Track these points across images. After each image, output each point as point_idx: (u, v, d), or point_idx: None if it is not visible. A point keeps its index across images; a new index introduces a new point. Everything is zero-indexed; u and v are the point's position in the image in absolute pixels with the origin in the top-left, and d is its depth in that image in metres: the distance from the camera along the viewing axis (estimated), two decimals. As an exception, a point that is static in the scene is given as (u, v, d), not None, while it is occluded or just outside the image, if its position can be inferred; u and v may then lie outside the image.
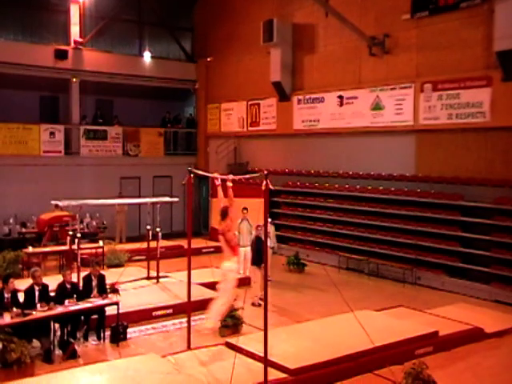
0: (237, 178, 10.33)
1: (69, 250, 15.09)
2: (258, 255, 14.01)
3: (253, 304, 14.07)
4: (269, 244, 15.25)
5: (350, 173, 19.38)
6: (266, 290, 8.70)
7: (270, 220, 16.55)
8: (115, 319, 11.36)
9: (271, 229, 16.42)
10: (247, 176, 10.78)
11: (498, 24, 14.84)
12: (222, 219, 10.15)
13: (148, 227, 16.30)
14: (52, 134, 22.39)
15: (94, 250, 17.71)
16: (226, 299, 10.20)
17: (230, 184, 10.02)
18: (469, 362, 10.49)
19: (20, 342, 9.69)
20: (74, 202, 14.84)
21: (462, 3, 16.02)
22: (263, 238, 14.42)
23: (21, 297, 10.92)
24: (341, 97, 19.57)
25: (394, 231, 17.40)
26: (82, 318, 11.26)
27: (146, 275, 15.90)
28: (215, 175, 10.74)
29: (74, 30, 23.22)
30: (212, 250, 19.56)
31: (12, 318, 10.09)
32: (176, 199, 18.32)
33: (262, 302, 13.53)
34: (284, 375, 9.20)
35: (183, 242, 18.00)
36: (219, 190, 10.45)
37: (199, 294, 13.48)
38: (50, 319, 10.60)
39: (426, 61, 17.08)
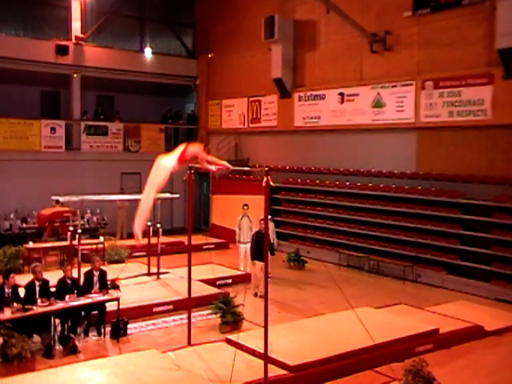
0: (238, 169, 10.17)
1: (69, 246, 15.08)
2: (261, 250, 13.81)
3: (255, 294, 14.36)
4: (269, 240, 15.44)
5: (351, 170, 19.38)
6: (267, 287, 8.69)
7: (269, 217, 16.67)
8: (116, 315, 11.37)
9: (271, 225, 16.43)
10: (248, 169, 10.69)
11: (499, 21, 14.84)
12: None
13: (149, 223, 16.30)
14: (53, 129, 22.39)
15: (94, 246, 17.72)
16: (148, 196, 9.47)
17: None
18: (469, 359, 10.48)
19: (20, 337, 9.70)
20: (74, 198, 14.85)
21: (464, 0, 16.01)
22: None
23: (21, 292, 10.94)
24: (342, 94, 19.57)
25: (395, 228, 17.40)
26: (83, 313, 11.27)
27: (146, 271, 15.92)
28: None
29: (75, 26, 23.23)
30: (212, 246, 19.63)
31: (13, 313, 10.11)
32: (176, 195, 18.29)
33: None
34: (284, 372, 9.20)
35: (184, 238, 17.99)
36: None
37: (199, 290, 13.52)
38: (50, 314, 10.61)
39: (428, 58, 17.07)
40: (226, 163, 9.73)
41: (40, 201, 19.11)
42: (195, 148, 9.51)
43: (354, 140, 19.51)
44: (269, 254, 15.54)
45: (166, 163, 9.29)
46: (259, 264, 14.26)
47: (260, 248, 13.87)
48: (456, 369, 9.94)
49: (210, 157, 9.77)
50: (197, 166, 10.11)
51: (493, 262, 14.97)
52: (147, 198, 9.37)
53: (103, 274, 11.96)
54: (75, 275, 12.20)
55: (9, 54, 21.17)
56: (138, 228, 9.26)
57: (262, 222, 14.25)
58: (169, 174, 9.26)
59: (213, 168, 9.98)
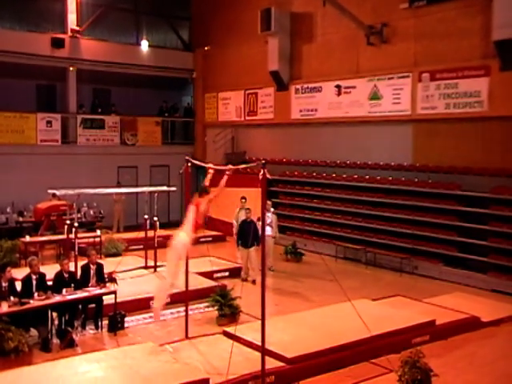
0: (237, 167, 10.25)
1: (66, 239, 15.07)
2: (248, 237, 14.87)
3: (243, 279, 15.02)
4: (270, 233, 15.56)
5: (348, 162, 19.38)
6: (264, 279, 8.69)
7: (272, 210, 16.77)
8: (113, 308, 11.39)
9: (273, 218, 16.48)
10: (245, 165, 10.69)
11: (496, 13, 14.81)
12: (200, 195, 9.68)
13: (145, 216, 16.31)
14: (49, 122, 22.34)
15: (91, 240, 17.71)
16: (169, 275, 9.66)
17: (228, 173, 9.89)
18: (465, 350, 10.53)
19: (17, 331, 9.70)
20: (71, 191, 14.81)
21: (460, -8, 16.01)
22: (254, 221, 15.11)
23: (18, 286, 10.93)
24: (338, 86, 19.54)
25: (392, 221, 17.42)
26: (80, 306, 11.28)
27: (143, 264, 15.92)
28: (210, 165, 10.57)
29: (71, 19, 23.13)
30: (210, 239, 19.61)
31: (9, 306, 10.10)
32: (173, 188, 18.32)
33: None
34: (281, 364, 9.22)
35: (181, 232, 17.96)
36: (209, 176, 10.20)
37: (197, 283, 13.51)
38: (47, 308, 10.61)
39: (424, 50, 17.05)
40: (223, 183, 9.71)
41: (36, 194, 19.06)
42: (203, 205, 9.53)
43: (350, 132, 19.50)
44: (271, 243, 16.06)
45: (183, 240, 9.33)
46: (244, 251, 15.30)
47: (244, 236, 15.14)
48: (452, 360, 9.98)
49: (214, 193, 9.72)
50: (196, 162, 10.18)
51: (489, 253, 15.00)
52: (171, 274, 9.59)
53: (100, 267, 11.96)
54: (72, 269, 12.17)
55: (4, 47, 21.06)
56: (157, 307, 9.72)
57: (247, 211, 15.54)
58: (188, 248, 9.48)
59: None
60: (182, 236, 9.34)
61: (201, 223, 9.65)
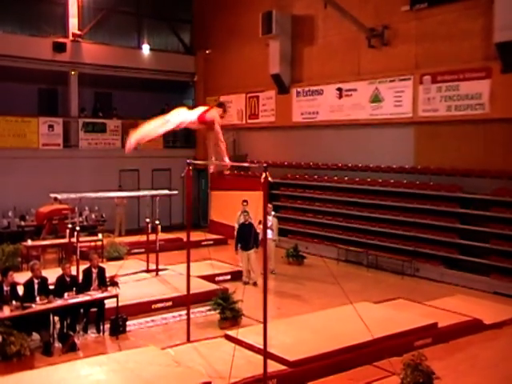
0: (237, 164, 10.22)
1: (68, 243, 15.09)
2: (248, 240, 14.86)
3: (244, 283, 15.06)
4: (271, 236, 15.57)
5: (349, 165, 19.36)
6: (266, 282, 8.68)
7: (273, 213, 16.78)
8: (115, 312, 11.38)
9: (274, 221, 16.49)
10: (246, 164, 10.64)
11: (497, 15, 14.80)
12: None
13: (147, 220, 16.32)
14: (51, 126, 22.36)
15: (93, 243, 17.72)
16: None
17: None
18: (468, 353, 10.51)
19: (19, 335, 9.70)
20: (72, 195, 14.84)
21: (461, -6, 16.01)
22: (252, 223, 15.21)
23: (20, 290, 10.94)
24: (340, 89, 19.55)
25: (393, 223, 17.41)
26: (82, 310, 11.27)
27: (145, 268, 15.92)
28: (212, 160, 10.43)
29: (73, 23, 23.14)
30: (211, 242, 19.60)
31: (11, 310, 10.10)
32: (175, 192, 18.32)
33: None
34: (283, 367, 9.22)
35: (182, 235, 17.99)
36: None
37: (198, 286, 13.51)
38: (49, 312, 10.62)
39: (425, 52, 17.05)
40: (226, 159, 9.67)
41: (38, 198, 19.06)
42: (215, 114, 9.63)
43: (352, 135, 19.50)
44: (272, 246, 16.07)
45: (188, 113, 9.59)
46: (244, 254, 15.32)
47: (243, 239, 15.26)
48: (455, 362, 9.97)
49: (220, 131, 9.75)
50: (198, 162, 10.17)
51: (491, 255, 14.98)
52: (157, 125, 9.60)
53: (102, 271, 11.97)
54: (74, 272, 12.18)
55: (6, 51, 21.07)
56: (132, 140, 9.85)
57: (245, 214, 15.69)
58: (186, 123, 9.67)
59: (211, 168, 10.05)
60: (187, 112, 9.68)
61: (206, 121, 9.68)
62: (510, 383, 9.32)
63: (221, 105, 10.03)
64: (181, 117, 9.55)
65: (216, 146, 9.73)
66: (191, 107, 10.28)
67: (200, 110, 9.69)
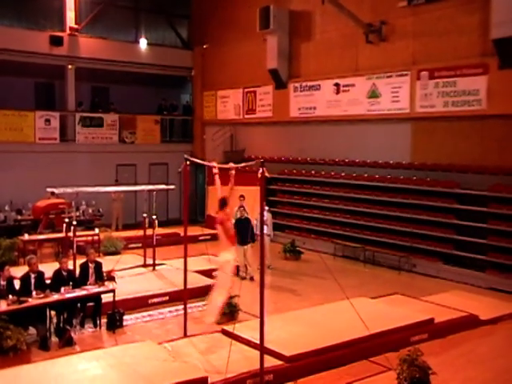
0: (238, 166, 10.33)
1: (65, 238, 15.08)
2: (244, 235, 14.73)
3: (242, 278, 15.03)
4: (266, 231, 15.55)
5: (346, 160, 19.38)
6: (263, 277, 8.69)
7: (267, 208, 16.76)
8: (111, 306, 11.40)
9: (269, 216, 16.49)
10: (245, 164, 10.67)
11: (494, 11, 14.79)
12: (221, 209, 10.09)
13: (144, 215, 16.31)
14: (47, 120, 22.32)
15: (90, 238, 17.71)
16: (223, 292, 10.08)
17: (233, 172, 10.07)
18: (463, 348, 10.55)
19: (16, 329, 9.71)
20: (69, 190, 14.81)
21: (459, -10, 16.00)
22: (249, 218, 15.42)
23: (17, 284, 10.92)
24: (337, 84, 19.54)
25: (390, 219, 17.44)
26: (79, 305, 11.28)
27: (142, 263, 15.92)
28: (213, 164, 10.67)
29: (70, 16, 23.08)
30: (208, 237, 19.57)
31: (8, 305, 10.11)
32: (172, 187, 18.31)
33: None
34: (280, 362, 9.24)
35: (179, 230, 18.00)
36: (217, 178, 10.41)
37: (195, 281, 13.50)
38: (46, 306, 10.62)
39: (423, 48, 17.04)
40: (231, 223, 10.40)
41: (35, 193, 19.08)
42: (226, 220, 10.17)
43: (349, 130, 19.50)
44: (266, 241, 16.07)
45: (229, 258, 10.09)
46: (240, 249, 15.19)
47: (239, 234, 14.74)
48: (451, 358, 10.00)
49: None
50: (196, 160, 10.31)
51: (488, 251, 15.02)
52: (225, 294, 10.21)
53: (99, 265, 11.96)
54: (71, 267, 12.18)
55: (2, 45, 21.00)
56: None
57: (241, 209, 15.69)
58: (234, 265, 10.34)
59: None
60: (226, 255, 9.99)
61: (232, 234, 10.25)
62: (506, 378, 9.34)
63: (223, 202, 10.24)
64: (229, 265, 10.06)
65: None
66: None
67: (223, 238, 10.16)
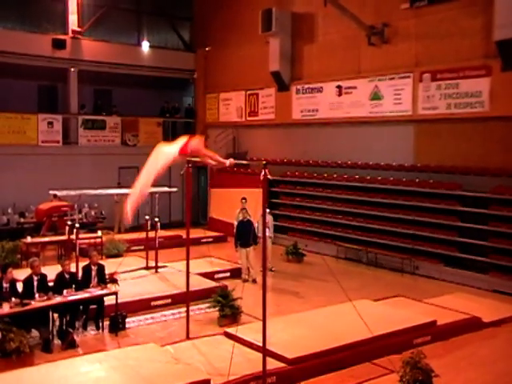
0: (235, 161, 10.19)
1: (67, 240, 15.11)
2: (247, 237, 14.83)
3: (244, 280, 14.99)
4: (267, 234, 15.54)
5: (349, 163, 19.37)
6: (265, 280, 8.69)
7: (268, 210, 16.74)
8: (114, 309, 11.41)
9: (269, 219, 16.49)
10: (246, 162, 10.62)
11: (497, 13, 14.78)
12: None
13: (146, 217, 16.32)
14: (50, 123, 22.34)
15: (92, 240, 17.73)
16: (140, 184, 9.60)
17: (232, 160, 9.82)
18: (466, 351, 10.53)
19: (19, 332, 9.70)
20: (72, 192, 14.86)
21: (461, -8, 15.99)
22: (251, 220, 15.36)
23: (19, 287, 10.94)
24: (339, 86, 19.54)
25: (393, 221, 17.41)
26: (81, 307, 11.29)
27: (144, 265, 15.93)
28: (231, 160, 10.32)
29: (72, 19, 23.11)
30: (211, 239, 19.63)
31: (11, 307, 10.12)
32: (174, 189, 18.31)
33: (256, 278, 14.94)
34: (282, 364, 9.23)
35: (182, 232, 17.99)
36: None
37: (198, 283, 13.53)
38: (48, 309, 10.63)
39: (425, 50, 17.04)
40: (226, 161, 9.62)
41: (38, 195, 19.08)
42: (197, 143, 9.34)
43: (351, 133, 19.49)
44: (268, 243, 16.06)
45: (168, 151, 9.26)
46: (243, 251, 15.36)
47: (242, 236, 15.30)
48: (454, 360, 9.99)
49: (211, 153, 9.64)
50: (196, 159, 10.11)
51: (490, 253, 15.00)
52: (144, 182, 9.47)
53: (101, 268, 11.97)
54: (73, 270, 12.19)
55: (5, 47, 21.05)
56: (129, 209, 9.39)
57: (244, 211, 15.70)
58: (169, 162, 9.28)
59: (212, 162, 9.89)
60: (167, 149, 9.34)
61: (188, 152, 9.38)
62: (508, 381, 9.33)
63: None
64: (161, 160, 9.30)
65: (214, 162, 9.64)
66: (169, 140, 10.05)
67: (180, 141, 9.34)
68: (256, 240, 15.05)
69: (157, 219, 16.02)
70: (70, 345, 10.47)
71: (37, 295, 10.63)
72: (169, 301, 13.09)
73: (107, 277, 12.03)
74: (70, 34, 23.05)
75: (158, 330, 11.62)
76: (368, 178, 18.52)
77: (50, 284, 11.19)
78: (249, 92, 23.51)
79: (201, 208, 25.21)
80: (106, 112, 24.57)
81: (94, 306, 11.47)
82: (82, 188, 16.06)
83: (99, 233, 18.18)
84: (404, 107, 17.49)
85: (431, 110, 16.74)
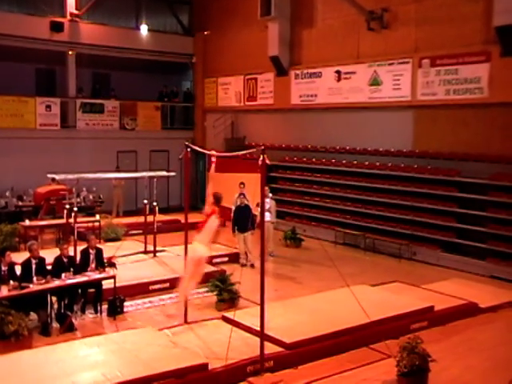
0: (238, 154, 10.25)
1: (66, 224, 15.09)
2: (244, 222, 14.74)
3: (242, 265, 15.19)
4: (269, 218, 15.58)
5: (347, 148, 19.35)
6: (263, 264, 8.70)
7: (270, 195, 16.78)
8: (112, 293, 11.42)
9: (272, 204, 16.52)
10: (246, 151, 10.61)
11: (498, -2, 14.73)
12: (216, 204, 9.83)
13: (145, 201, 16.32)
14: (48, 107, 22.28)
15: (90, 224, 17.73)
16: (191, 279, 9.85)
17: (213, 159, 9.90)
18: (463, 336, 10.57)
19: (17, 315, 9.72)
20: (70, 176, 14.83)
21: (462, -23, 15.90)
22: (249, 205, 15.36)
23: (18, 270, 10.94)
24: (338, 72, 19.47)
25: (391, 207, 17.43)
26: (79, 291, 11.31)
27: (143, 249, 15.95)
28: (212, 152, 10.49)
29: (70, 2, 22.97)
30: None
31: (9, 290, 10.13)
32: (173, 173, 18.31)
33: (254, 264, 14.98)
34: (280, 349, 9.27)
35: (180, 217, 17.99)
36: (212, 167, 10.22)
37: (196, 268, 13.51)
38: (47, 292, 10.65)
39: (425, 36, 16.96)
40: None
41: (36, 179, 19.05)
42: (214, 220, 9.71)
43: (350, 118, 19.45)
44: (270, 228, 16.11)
45: (201, 252, 9.66)
46: (241, 236, 15.40)
47: (239, 221, 15.34)
48: (450, 345, 10.03)
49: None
50: (196, 148, 10.19)
51: (488, 239, 15.03)
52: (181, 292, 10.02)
53: (99, 252, 11.98)
54: (71, 253, 12.19)
55: (3, 30, 20.90)
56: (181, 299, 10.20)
57: (241, 196, 15.75)
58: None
59: None
60: (200, 248, 9.60)
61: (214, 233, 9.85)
62: (506, 365, 9.36)
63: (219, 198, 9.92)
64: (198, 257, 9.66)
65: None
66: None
67: (209, 230, 9.72)
68: (254, 225, 15.06)
69: (155, 203, 16.00)
70: (68, 328, 10.49)
71: (35, 278, 10.64)
72: (167, 285, 13.08)
73: (105, 260, 12.05)
74: (68, 17, 22.91)
75: (156, 313, 11.65)
76: (366, 163, 18.51)
77: (49, 267, 11.20)
78: (247, 77, 23.43)
79: (199, 192, 25.16)
80: (104, 96, 24.48)
81: (93, 290, 11.49)
82: (80, 172, 16.04)
83: (97, 216, 18.18)
84: (403, 93, 17.45)
85: (430, 95, 16.70)
